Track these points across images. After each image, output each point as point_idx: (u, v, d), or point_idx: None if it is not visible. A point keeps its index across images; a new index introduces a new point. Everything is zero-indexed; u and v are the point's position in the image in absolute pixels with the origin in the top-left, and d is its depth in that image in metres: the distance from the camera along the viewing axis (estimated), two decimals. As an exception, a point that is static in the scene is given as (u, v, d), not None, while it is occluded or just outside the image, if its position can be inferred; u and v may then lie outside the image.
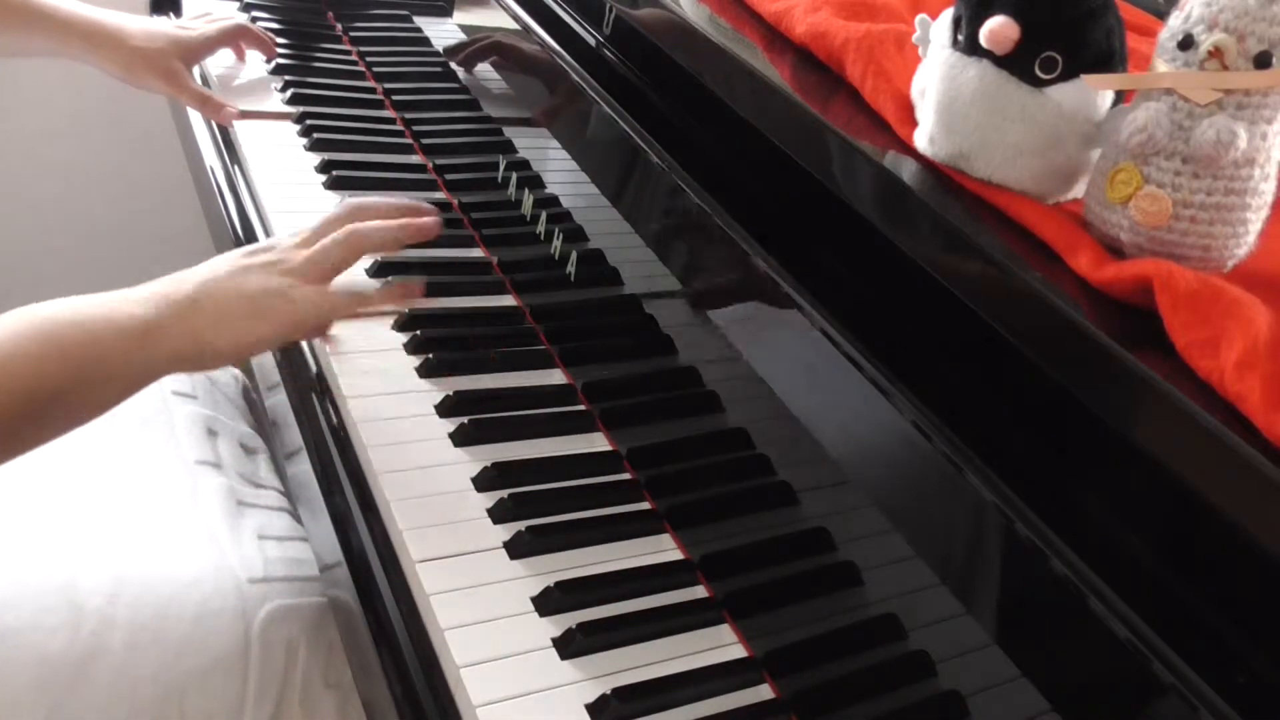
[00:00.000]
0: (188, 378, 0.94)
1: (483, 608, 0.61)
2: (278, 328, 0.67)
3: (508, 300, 0.88)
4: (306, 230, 0.72)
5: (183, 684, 0.71)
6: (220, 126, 1.03)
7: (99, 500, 0.79)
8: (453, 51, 1.12)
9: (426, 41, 1.20)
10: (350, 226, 0.71)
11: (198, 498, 0.81)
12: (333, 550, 0.68)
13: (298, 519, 0.85)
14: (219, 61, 1.12)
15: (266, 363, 0.83)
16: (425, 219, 0.74)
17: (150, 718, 0.70)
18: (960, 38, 0.55)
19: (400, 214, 0.74)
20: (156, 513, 0.79)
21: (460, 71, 1.09)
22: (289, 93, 1.08)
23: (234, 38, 1.10)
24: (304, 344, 0.79)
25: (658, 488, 0.72)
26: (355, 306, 0.73)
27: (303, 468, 0.74)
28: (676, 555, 0.68)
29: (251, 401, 1.01)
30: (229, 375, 1.00)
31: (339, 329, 0.79)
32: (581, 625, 0.61)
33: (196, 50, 1.04)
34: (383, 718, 0.61)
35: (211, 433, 0.89)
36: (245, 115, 1.04)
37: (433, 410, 0.75)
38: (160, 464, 0.84)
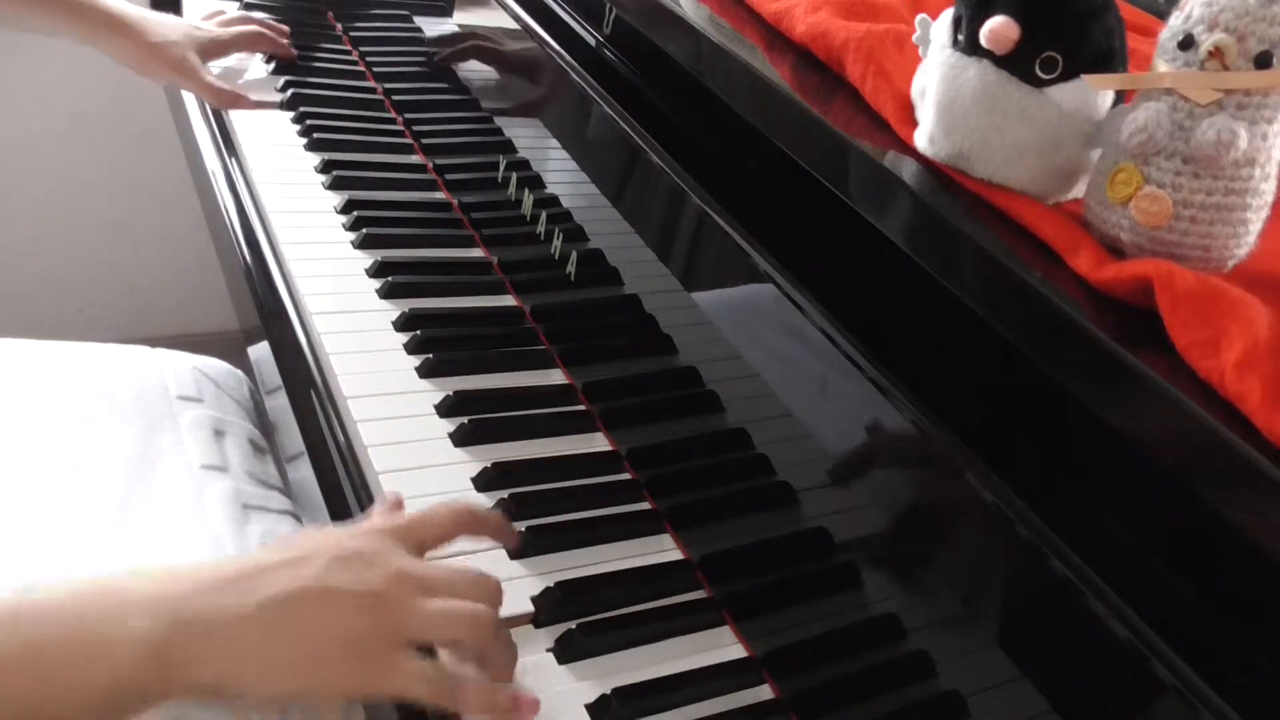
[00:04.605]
0: (191, 380, 0.93)
1: (483, 608, 0.61)
2: (356, 688, 0.50)
3: (508, 300, 0.88)
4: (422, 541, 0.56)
5: None
6: (220, 126, 1.03)
7: (103, 507, 0.78)
8: (445, 54, 1.11)
9: (427, 42, 1.20)
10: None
11: (203, 504, 0.81)
12: (333, 550, 0.68)
13: (301, 523, 0.85)
14: (219, 61, 1.12)
15: (267, 364, 0.83)
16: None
17: None
18: (960, 38, 0.54)
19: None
20: (161, 520, 0.79)
21: (458, 70, 1.08)
22: (289, 92, 1.08)
23: (251, 42, 1.10)
24: (304, 344, 0.79)
25: (658, 488, 0.72)
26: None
27: (304, 471, 0.74)
28: (676, 555, 0.68)
29: (258, 403, 1.01)
30: (234, 377, 1.00)
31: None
32: (581, 626, 0.61)
33: (211, 50, 1.06)
34: (383, 717, 0.61)
35: (219, 433, 0.89)
36: (252, 105, 1.05)
37: (433, 410, 0.75)
38: (166, 470, 0.83)
